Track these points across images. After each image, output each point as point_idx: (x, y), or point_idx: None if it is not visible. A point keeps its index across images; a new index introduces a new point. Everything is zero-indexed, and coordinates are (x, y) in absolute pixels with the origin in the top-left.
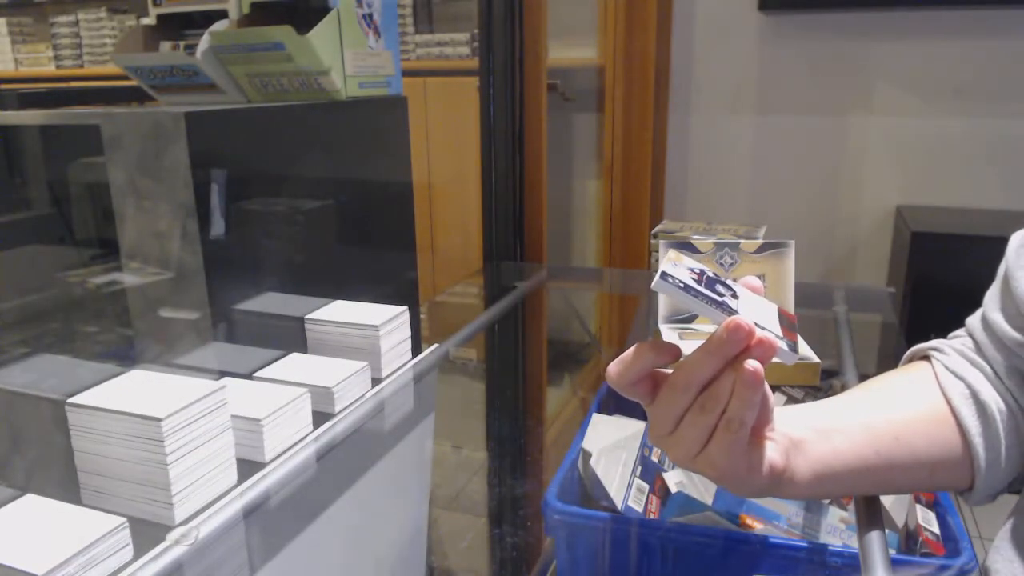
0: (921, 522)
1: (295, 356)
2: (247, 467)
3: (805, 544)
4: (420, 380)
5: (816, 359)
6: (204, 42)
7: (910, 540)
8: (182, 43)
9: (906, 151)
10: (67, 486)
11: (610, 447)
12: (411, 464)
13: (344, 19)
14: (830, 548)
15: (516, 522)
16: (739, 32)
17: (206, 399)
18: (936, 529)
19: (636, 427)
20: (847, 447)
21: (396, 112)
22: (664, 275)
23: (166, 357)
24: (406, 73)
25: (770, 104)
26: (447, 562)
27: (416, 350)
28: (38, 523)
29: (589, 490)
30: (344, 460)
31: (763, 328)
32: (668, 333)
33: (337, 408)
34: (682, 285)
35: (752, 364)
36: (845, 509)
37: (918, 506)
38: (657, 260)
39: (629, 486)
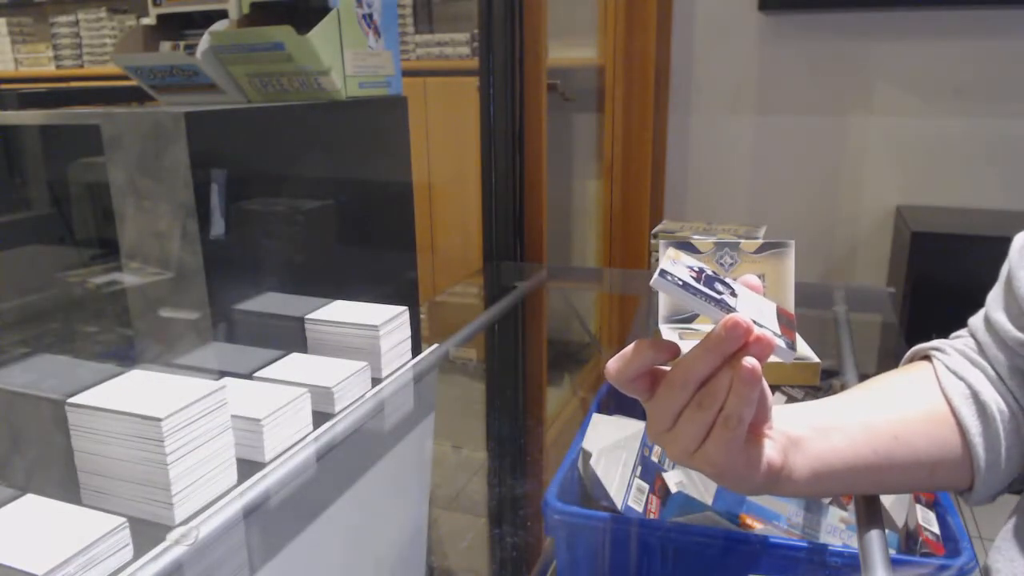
0: (921, 522)
1: (295, 356)
2: (247, 467)
3: (805, 544)
4: (420, 380)
5: (816, 359)
6: (204, 42)
7: (910, 540)
8: (182, 43)
9: (906, 151)
10: (67, 486)
11: (610, 447)
12: (411, 464)
13: (344, 19)
14: (830, 548)
15: (516, 522)
16: (739, 32)
17: (206, 399)
18: (936, 529)
19: (636, 427)
20: (846, 445)
21: (396, 112)
22: (663, 272)
23: (166, 357)
24: (406, 73)
25: (770, 104)
26: (447, 562)
27: (416, 350)
28: (38, 523)
29: (589, 490)
30: (344, 460)
31: (761, 326)
32: (668, 333)
33: (337, 408)
34: (681, 283)
35: (750, 361)
36: (845, 509)
37: (918, 506)
38: (657, 260)
39: (629, 486)
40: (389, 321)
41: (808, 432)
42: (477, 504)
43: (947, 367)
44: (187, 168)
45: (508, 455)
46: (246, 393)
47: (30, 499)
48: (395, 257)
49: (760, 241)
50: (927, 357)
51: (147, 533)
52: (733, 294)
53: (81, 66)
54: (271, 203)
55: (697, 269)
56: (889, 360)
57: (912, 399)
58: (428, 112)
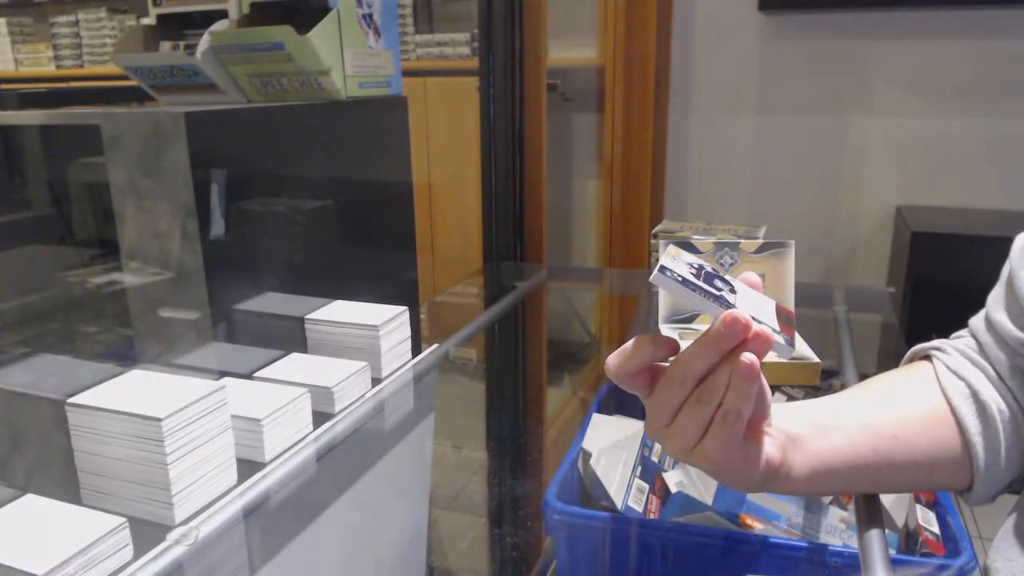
0: (921, 522)
1: (295, 356)
2: (247, 467)
3: (805, 544)
4: (420, 380)
5: (816, 359)
6: (204, 42)
7: (910, 540)
8: (182, 43)
9: (906, 151)
10: (67, 486)
11: (610, 447)
12: (411, 464)
13: (344, 19)
14: (830, 548)
15: (516, 522)
16: (739, 32)
17: (206, 399)
18: (936, 529)
19: (636, 427)
20: (845, 444)
21: (396, 112)
22: (663, 269)
23: (166, 357)
24: (406, 73)
25: (770, 104)
26: (447, 562)
27: (416, 350)
28: (38, 523)
29: (589, 490)
30: (344, 460)
31: (760, 322)
32: (668, 333)
33: (337, 408)
34: (680, 279)
35: (748, 357)
36: (845, 509)
37: (918, 506)
38: (657, 259)
39: (629, 486)
40: (389, 321)
41: (807, 430)
42: (477, 504)
43: (947, 367)
44: (187, 168)
45: (508, 455)
46: (246, 393)
47: (30, 499)
48: (395, 257)
49: (760, 241)
50: (927, 357)
51: (147, 533)
52: (732, 291)
53: (81, 66)
54: (271, 203)
55: (697, 266)
56: (889, 360)
57: (912, 399)
58: (428, 112)
